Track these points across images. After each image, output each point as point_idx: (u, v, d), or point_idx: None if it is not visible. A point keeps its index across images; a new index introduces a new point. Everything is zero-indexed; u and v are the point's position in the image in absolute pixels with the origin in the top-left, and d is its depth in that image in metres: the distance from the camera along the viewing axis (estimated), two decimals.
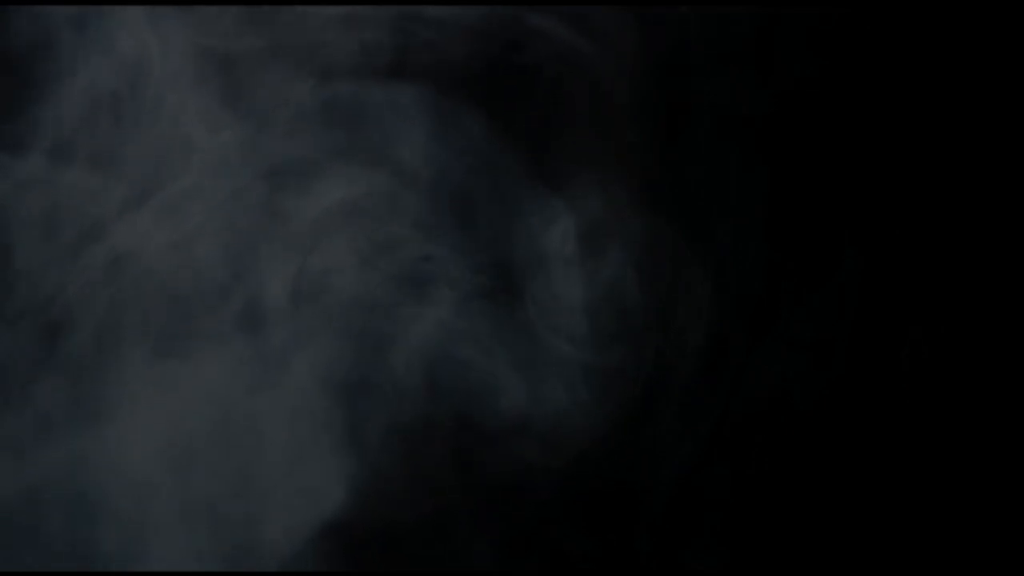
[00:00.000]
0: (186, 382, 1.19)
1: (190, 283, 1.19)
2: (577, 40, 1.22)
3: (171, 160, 1.20)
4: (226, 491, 1.18)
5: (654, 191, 1.23)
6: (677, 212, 1.24)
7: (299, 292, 1.20)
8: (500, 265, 1.22)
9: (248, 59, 1.20)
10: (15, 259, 1.19)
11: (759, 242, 1.24)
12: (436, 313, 1.20)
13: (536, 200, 1.21)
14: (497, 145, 1.21)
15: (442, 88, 1.21)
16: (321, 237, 1.20)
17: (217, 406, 1.19)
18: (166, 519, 1.18)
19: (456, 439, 1.21)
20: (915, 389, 1.25)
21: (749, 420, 1.24)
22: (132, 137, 1.20)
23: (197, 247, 1.19)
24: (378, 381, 1.20)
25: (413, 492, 1.21)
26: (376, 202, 1.20)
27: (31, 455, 1.18)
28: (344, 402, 1.19)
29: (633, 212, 1.23)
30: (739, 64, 1.25)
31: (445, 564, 1.21)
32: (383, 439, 1.20)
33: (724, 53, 1.25)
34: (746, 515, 1.24)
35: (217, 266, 1.20)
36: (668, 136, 1.24)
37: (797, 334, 1.24)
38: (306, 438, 1.19)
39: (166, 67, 1.19)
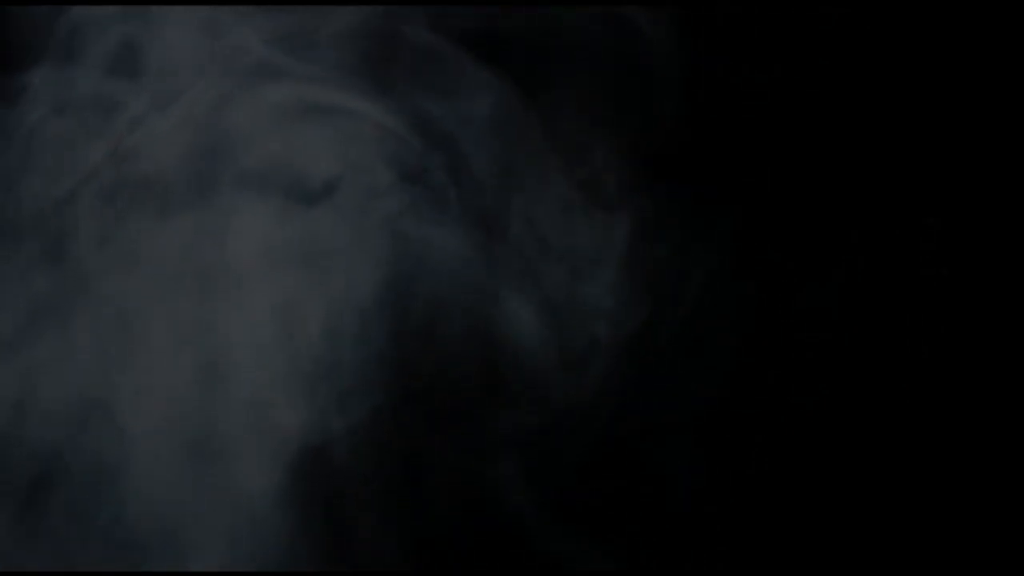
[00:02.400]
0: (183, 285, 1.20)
1: (193, 178, 1.20)
2: (602, 9, 1.23)
3: (187, 71, 1.21)
4: (210, 393, 1.20)
5: (666, 164, 1.24)
6: (685, 187, 1.24)
7: (299, 192, 1.21)
8: (497, 208, 1.22)
9: None
10: (26, 165, 1.20)
11: (767, 223, 1.25)
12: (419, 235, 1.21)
13: (541, 154, 1.22)
14: (512, 104, 1.22)
15: (460, 43, 1.22)
16: (325, 147, 1.21)
17: (211, 305, 1.20)
18: (149, 424, 1.19)
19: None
20: (917, 391, 1.25)
21: (749, 420, 1.24)
22: (150, 50, 1.21)
23: (201, 145, 1.21)
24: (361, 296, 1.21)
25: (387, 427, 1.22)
26: (378, 121, 1.22)
27: (24, 352, 1.19)
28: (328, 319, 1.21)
29: (642, 181, 1.23)
30: (759, 50, 1.25)
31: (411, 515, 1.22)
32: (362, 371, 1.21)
33: (746, 41, 1.25)
34: (746, 515, 1.24)
35: (214, 161, 1.21)
36: (687, 113, 1.24)
37: (798, 326, 1.24)
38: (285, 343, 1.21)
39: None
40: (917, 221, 1.25)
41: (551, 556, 1.22)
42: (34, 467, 1.19)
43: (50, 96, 1.21)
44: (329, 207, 1.21)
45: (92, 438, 1.19)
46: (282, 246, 1.20)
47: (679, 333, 1.24)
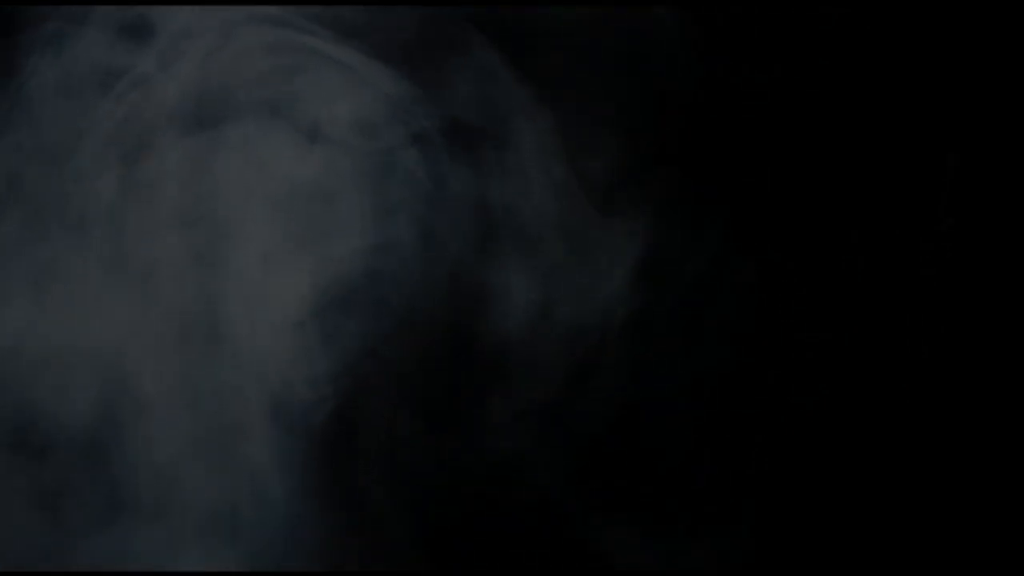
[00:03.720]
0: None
1: (192, 127, 1.21)
2: (606, 9, 1.24)
3: (194, 32, 1.22)
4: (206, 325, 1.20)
5: (666, 162, 1.24)
6: (685, 186, 1.24)
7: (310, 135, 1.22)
8: (496, 195, 1.23)
9: None
10: (39, 117, 1.20)
11: (767, 221, 1.25)
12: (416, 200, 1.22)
13: (544, 144, 1.22)
14: (525, 89, 1.22)
15: (472, 26, 1.23)
16: (325, 101, 1.22)
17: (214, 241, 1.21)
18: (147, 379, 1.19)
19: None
20: (917, 391, 1.24)
21: (749, 420, 1.24)
22: (157, 18, 1.22)
23: (202, 91, 1.21)
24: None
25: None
26: (380, 83, 1.22)
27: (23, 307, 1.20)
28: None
29: (642, 179, 1.23)
30: (759, 50, 1.25)
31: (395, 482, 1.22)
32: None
33: (746, 41, 1.26)
34: (746, 515, 1.24)
35: (224, 110, 1.22)
36: (688, 111, 1.24)
37: (798, 326, 1.25)
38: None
39: None
40: (916, 228, 1.26)
41: (547, 547, 1.22)
42: (30, 424, 1.19)
43: (55, 58, 1.21)
44: (325, 169, 1.21)
45: (94, 391, 1.19)
46: (275, 196, 1.21)
47: (677, 332, 1.24)
